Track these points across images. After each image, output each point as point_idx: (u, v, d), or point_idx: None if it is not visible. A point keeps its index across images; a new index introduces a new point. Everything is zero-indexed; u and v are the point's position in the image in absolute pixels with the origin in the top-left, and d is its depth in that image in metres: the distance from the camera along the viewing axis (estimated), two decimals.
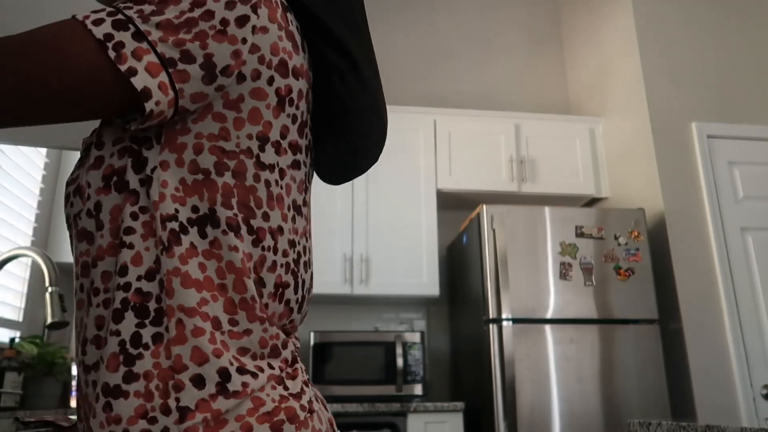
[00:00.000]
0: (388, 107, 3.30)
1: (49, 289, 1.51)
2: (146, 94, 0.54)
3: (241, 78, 0.59)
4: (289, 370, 0.62)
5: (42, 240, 2.25)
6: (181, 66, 0.55)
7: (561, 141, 3.38)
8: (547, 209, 2.73)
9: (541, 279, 2.62)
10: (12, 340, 1.86)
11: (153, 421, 0.53)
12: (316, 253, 3.02)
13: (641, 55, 3.12)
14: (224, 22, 0.58)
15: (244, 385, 0.56)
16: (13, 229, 2.02)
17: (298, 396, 0.60)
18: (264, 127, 0.61)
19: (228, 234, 0.59)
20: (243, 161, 0.60)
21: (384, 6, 3.99)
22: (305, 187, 0.70)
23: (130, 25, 0.55)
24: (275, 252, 0.62)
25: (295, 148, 0.66)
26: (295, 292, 0.65)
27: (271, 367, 0.60)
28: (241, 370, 0.56)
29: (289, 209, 0.65)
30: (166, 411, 0.53)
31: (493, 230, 2.66)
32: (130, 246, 0.57)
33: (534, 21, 4.13)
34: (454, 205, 3.51)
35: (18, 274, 2.05)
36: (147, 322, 0.55)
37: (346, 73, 0.69)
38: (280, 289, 0.63)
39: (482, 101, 3.89)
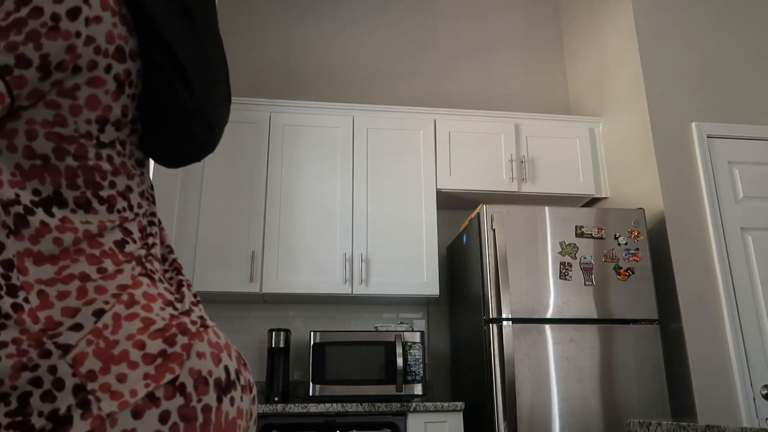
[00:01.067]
0: (389, 107, 3.30)
1: None
2: None
3: (76, 70, 0.58)
4: (177, 295, 0.65)
5: None
6: (17, 72, 0.54)
7: (561, 141, 3.38)
8: (547, 209, 2.73)
9: (541, 279, 2.62)
10: None
11: (35, 368, 0.53)
12: (318, 253, 3.02)
13: (641, 55, 3.12)
14: (55, 17, 0.55)
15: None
16: None
17: (187, 313, 0.63)
18: (103, 112, 0.61)
19: (77, 212, 0.60)
20: (83, 144, 0.60)
21: (385, 7, 3.99)
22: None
23: None
24: (130, 209, 0.66)
25: (135, 120, 0.67)
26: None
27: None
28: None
29: (134, 167, 0.68)
30: (45, 354, 0.54)
31: (493, 230, 2.66)
32: None
33: (534, 21, 4.13)
34: (454, 205, 3.51)
35: None
36: (2, 293, 0.55)
37: (171, 77, 0.66)
38: (146, 232, 0.67)
39: (482, 101, 3.89)
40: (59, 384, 0.53)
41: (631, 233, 2.74)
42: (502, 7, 4.13)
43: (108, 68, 0.61)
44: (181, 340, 0.59)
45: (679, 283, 2.74)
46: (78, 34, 0.57)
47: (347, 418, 2.52)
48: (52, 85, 0.58)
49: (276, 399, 2.87)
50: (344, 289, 2.97)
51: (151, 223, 0.71)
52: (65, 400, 0.53)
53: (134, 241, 0.65)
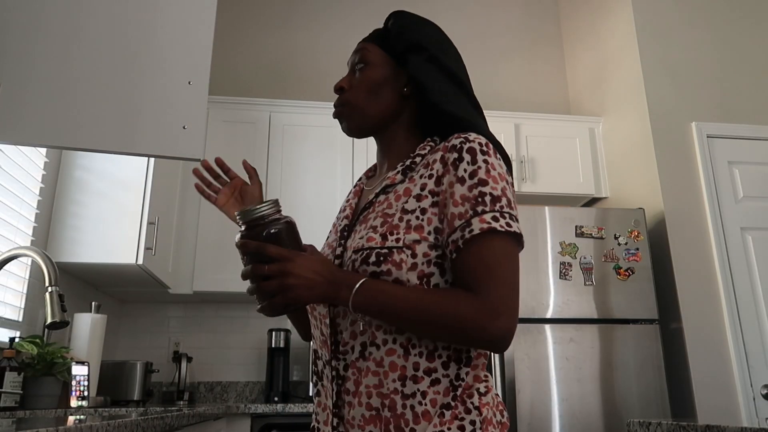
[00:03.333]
0: None
1: (49, 289, 1.51)
2: None
3: None
4: None
5: (42, 240, 2.25)
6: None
7: (561, 141, 3.38)
8: (547, 209, 2.73)
9: (541, 278, 2.62)
10: (12, 339, 1.86)
11: None
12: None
13: (641, 54, 3.12)
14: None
15: None
16: (13, 229, 2.03)
17: None
18: None
19: None
20: None
21: (385, 7, 3.99)
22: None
23: None
24: None
25: None
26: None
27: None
28: None
29: None
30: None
31: None
32: None
33: (534, 21, 4.13)
34: None
35: (18, 274, 2.05)
36: None
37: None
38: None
39: (482, 101, 3.89)
40: None
41: (631, 233, 2.74)
42: (502, 7, 4.13)
43: None
44: None
45: (679, 283, 2.74)
46: None
47: None
48: None
49: (276, 399, 2.88)
50: None
51: None
52: None
53: None
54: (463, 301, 0.82)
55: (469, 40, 4.01)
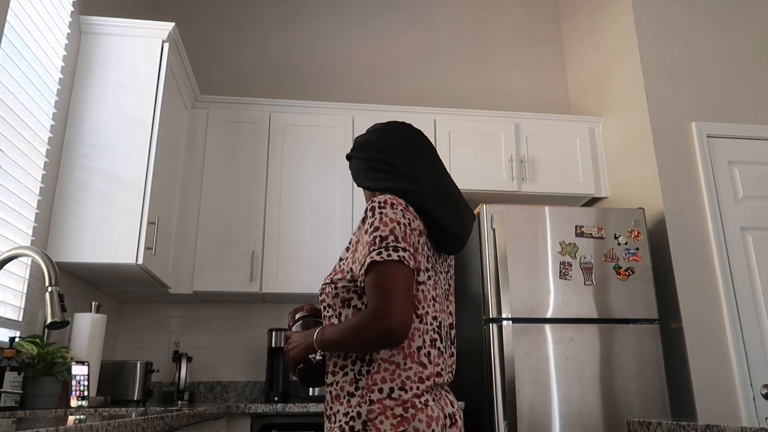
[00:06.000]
0: (389, 106, 3.30)
1: (49, 289, 1.51)
2: None
3: None
4: None
5: (42, 240, 2.25)
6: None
7: (561, 141, 3.38)
8: (547, 209, 2.73)
9: (541, 278, 2.62)
10: (12, 339, 1.86)
11: None
12: (318, 252, 3.02)
13: (641, 54, 3.12)
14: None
15: None
16: (13, 229, 2.03)
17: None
18: None
19: None
20: None
21: (384, 7, 3.99)
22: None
23: None
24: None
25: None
26: None
27: None
28: None
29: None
30: None
31: (493, 230, 2.66)
32: None
33: (534, 21, 4.13)
34: None
35: (18, 274, 2.05)
36: None
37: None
38: None
39: (482, 101, 3.89)
40: None
41: (631, 233, 2.74)
42: (502, 7, 4.13)
43: None
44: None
45: (678, 283, 2.74)
46: None
47: None
48: None
49: (276, 399, 2.88)
50: None
51: None
52: None
53: None
54: (360, 316, 1.21)
55: (470, 41, 4.01)
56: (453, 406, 1.31)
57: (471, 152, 3.29)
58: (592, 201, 3.48)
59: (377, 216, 1.26)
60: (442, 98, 3.85)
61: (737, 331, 2.70)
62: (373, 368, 1.24)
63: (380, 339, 1.17)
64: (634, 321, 2.63)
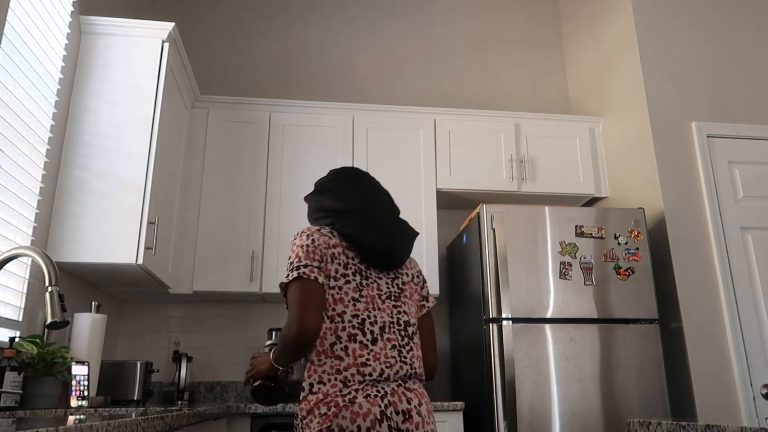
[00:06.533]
0: (389, 106, 3.30)
1: (49, 289, 1.51)
2: None
3: None
4: None
5: (42, 240, 2.24)
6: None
7: (561, 141, 3.38)
8: (547, 209, 2.73)
9: (541, 278, 2.62)
10: (12, 339, 1.86)
11: None
12: None
13: (641, 54, 3.12)
14: None
15: None
16: (13, 229, 2.03)
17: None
18: None
19: None
20: None
21: (384, 7, 3.99)
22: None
23: None
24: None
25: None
26: None
27: None
28: None
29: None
30: None
31: (493, 230, 2.66)
32: None
33: (534, 21, 4.13)
34: (454, 205, 3.51)
35: (18, 274, 2.05)
36: None
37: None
38: None
39: (482, 101, 3.89)
40: None
41: (631, 233, 2.74)
42: (502, 7, 4.13)
43: None
44: None
45: (679, 283, 2.74)
46: None
47: None
48: None
49: None
50: None
51: None
52: None
53: None
54: (283, 329, 1.50)
55: (470, 41, 4.01)
56: (409, 403, 1.42)
57: (471, 152, 3.29)
58: (592, 201, 3.48)
59: (291, 246, 1.67)
60: (442, 98, 3.85)
61: (737, 331, 2.70)
62: (310, 370, 1.46)
63: (295, 342, 1.44)
64: (634, 321, 2.63)
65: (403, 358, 1.50)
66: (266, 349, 1.68)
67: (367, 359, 1.44)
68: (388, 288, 1.58)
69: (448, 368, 3.30)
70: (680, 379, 2.67)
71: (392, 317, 1.54)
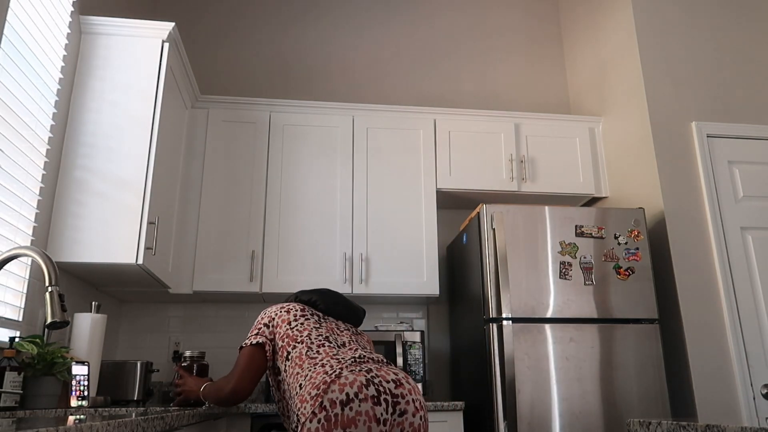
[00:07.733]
0: (389, 106, 3.30)
1: (49, 289, 1.51)
2: None
3: None
4: None
5: (42, 240, 2.24)
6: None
7: (561, 141, 3.38)
8: (546, 209, 2.73)
9: (541, 278, 2.62)
10: (12, 339, 1.86)
11: None
12: (318, 252, 3.02)
13: (641, 54, 3.12)
14: None
15: None
16: (13, 229, 2.03)
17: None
18: None
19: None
20: None
21: (384, 6, 3.99)
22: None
23: None
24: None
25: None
26: None
27: None
28: None
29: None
30: None
31: (493, 230, 2.66)
32: None
33: (534, 21, 4.13)
34: (454, 205, 3.51)
35: (18, 274, 2.05)
36: None
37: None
38: None
39: (482, 101, 3.89)
40: None
41: (631, 233, 2.74)
42: (502, 7, 4.13)
43: None
44: None
45: (679, 283, 2.74)
46: None
47: None
48: None
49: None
50: (344, 289, 2.97)
51: None
52: None
53: None
54: (221, 380, 1.84)
55: (470, 41, 4.01)
56: (396, 375, 1.62)
57: (471, 152, 3.29)
58: (592, 201, 3.48)
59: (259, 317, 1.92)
60: (442, 98, 3.85)
61: (737, 331, 2.70)
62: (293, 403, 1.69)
63: (226, 397, 1.77)
64: (634, 321, 2.63)
65: (372, 355, 1.73)
66: (185, 363, 2.33)
67: (338, 353, 1.69)
68: (346, 327, 1.91)
69: (448, 368, 3.30)
70: (680, 379, 2.67)
71: (352, 341, 1.83)
